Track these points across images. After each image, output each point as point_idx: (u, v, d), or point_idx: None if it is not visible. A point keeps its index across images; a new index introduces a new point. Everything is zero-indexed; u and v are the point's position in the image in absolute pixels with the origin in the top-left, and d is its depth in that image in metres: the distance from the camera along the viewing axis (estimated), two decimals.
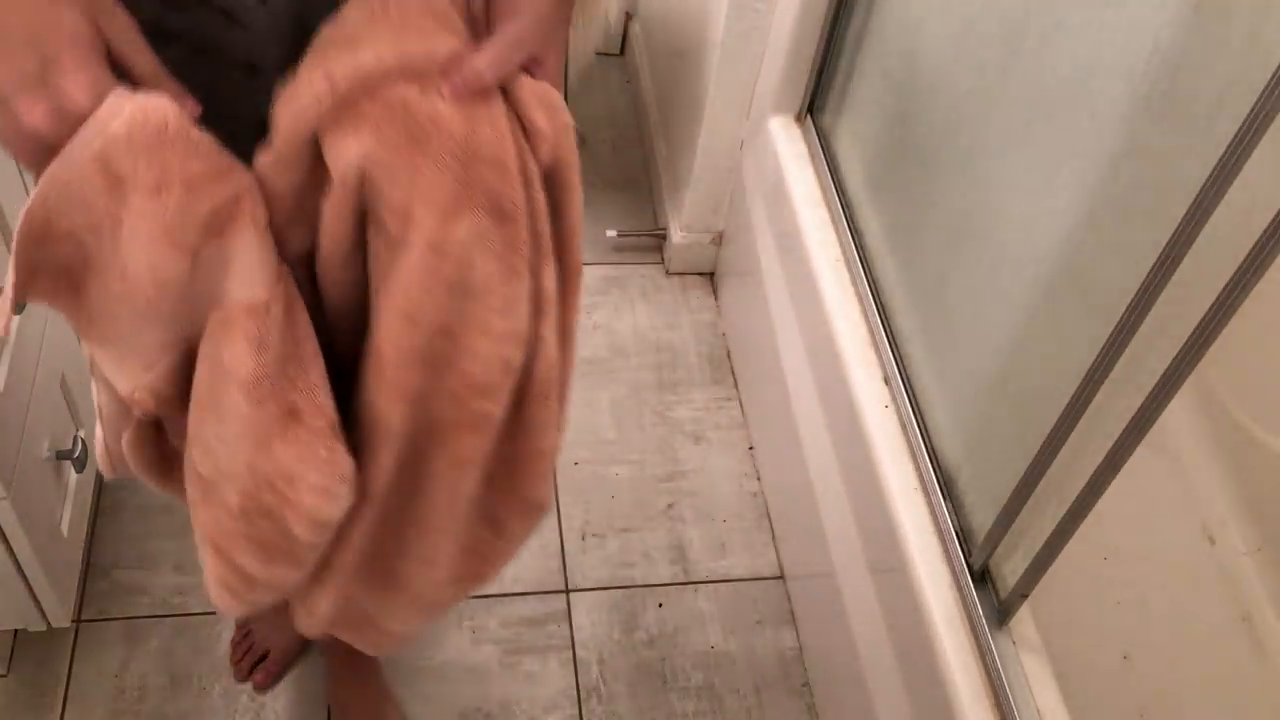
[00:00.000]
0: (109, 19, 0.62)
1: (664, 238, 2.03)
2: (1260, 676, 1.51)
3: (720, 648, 1.57)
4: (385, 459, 0.78)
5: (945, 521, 1.21)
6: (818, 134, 1.63)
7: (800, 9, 1.52)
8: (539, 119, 0.73)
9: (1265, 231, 0.75)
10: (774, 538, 1.69)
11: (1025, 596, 1.10)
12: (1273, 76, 0.73)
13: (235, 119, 0.67)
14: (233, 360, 0.70)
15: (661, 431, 1.80)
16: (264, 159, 0.70)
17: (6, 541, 1.20)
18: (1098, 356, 0.93)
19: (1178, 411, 1.66)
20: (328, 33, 0.69)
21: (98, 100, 0.61)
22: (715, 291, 2.02)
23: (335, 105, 0.67)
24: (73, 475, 1.41)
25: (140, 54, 0.64)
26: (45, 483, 1.30)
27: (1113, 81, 0.95)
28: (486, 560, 0.92)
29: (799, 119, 1.68)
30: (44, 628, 1.35)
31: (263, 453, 0.73)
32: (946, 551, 1.20)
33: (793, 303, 1.60)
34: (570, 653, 1.54)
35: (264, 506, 0.75)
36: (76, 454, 1.35)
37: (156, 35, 0.65)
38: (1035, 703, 1.07)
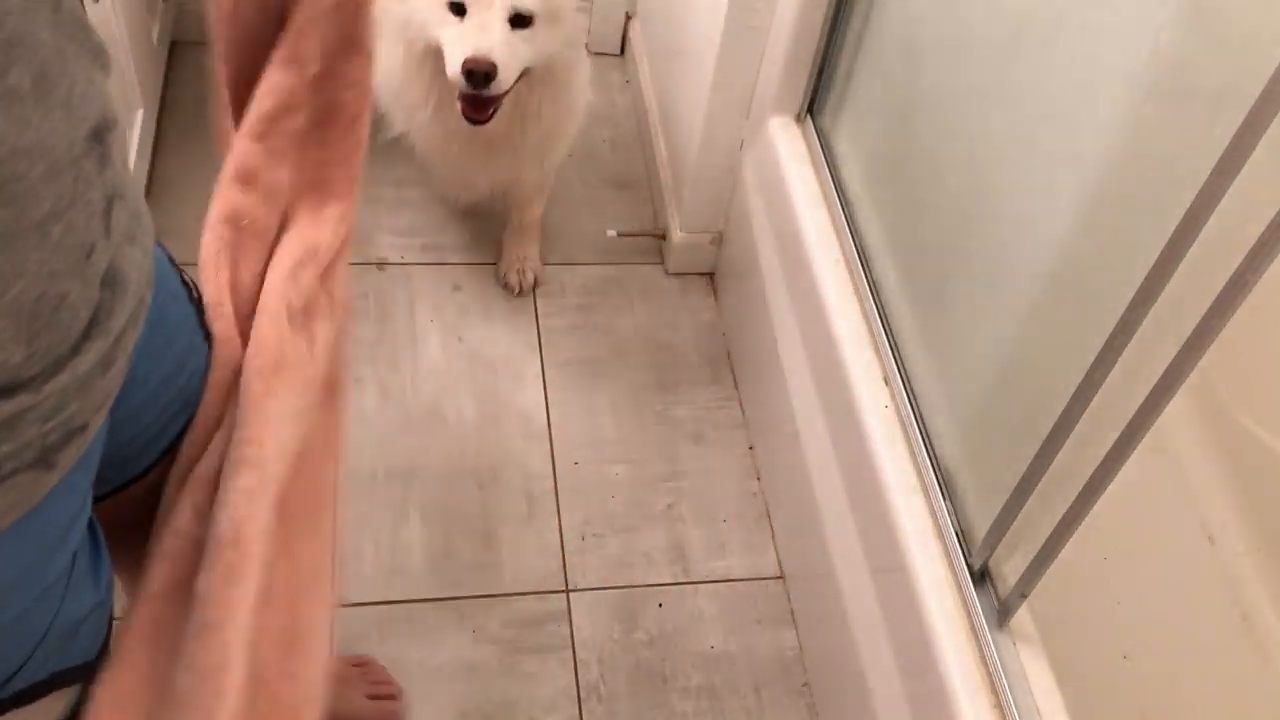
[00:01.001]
0: None
1: (664, 238, 2.03)
2: (1260, 676, 1.51)
3: (720, 648, 1.57)
4: None
5: (945, 521, 1.21)
6: (818, 134, 1.63)
7: (800, 9, 1.52)
8: None
9: (1265, 231, 0.75)
10: (774, 538, 1.69)
11: (1025, 596, 1.10)
12: (1273, 76, 0.73)
13: None
14: None
15: (661, 431, 1.80)
16: None
17: None
18: (1098, 356, 0.93)
19: (1178, 411, 1.66)
20: None
21: None
22: (715, 291, 2.02)
23: None
24: None
25: None
26: None
27: (1113, 81, 0.95)
28: None
29: (799, 119, 1.68)
30: None
31: None
32: (946, 551, 1.20)
33: (793, 303, 1.60)
34: (570, 653, 1.54)
35: None
36: None
37: None
38: (1035, 702, 1.07)
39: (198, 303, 0.86)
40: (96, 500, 0.82)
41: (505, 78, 1.42)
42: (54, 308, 0.55)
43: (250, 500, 0.75)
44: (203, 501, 0.77)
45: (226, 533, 0.74)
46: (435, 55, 1.46)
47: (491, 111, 1.49)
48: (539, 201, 1.91)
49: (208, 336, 0.85)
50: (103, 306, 0.60)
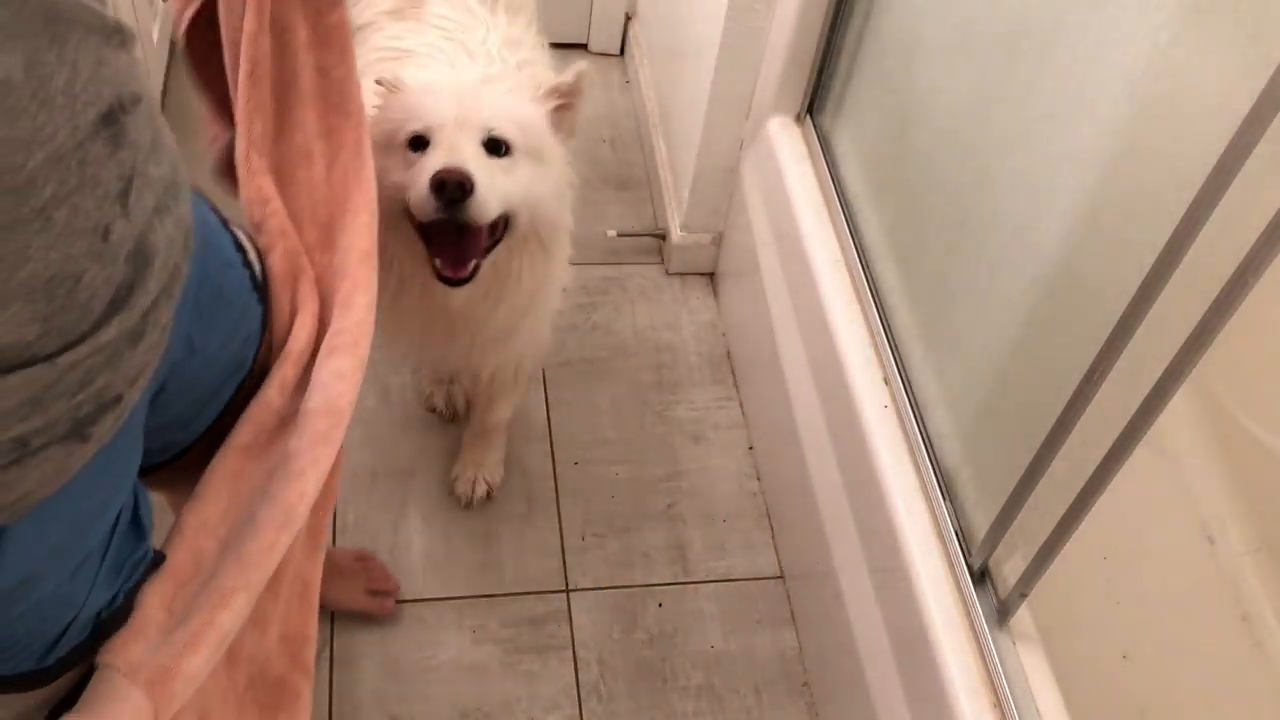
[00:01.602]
0: None
1: (664, 238, 2.03)
2: (1260, 676, 1.51)
3: (720, 648, 1.57)
4: None
5: (945, 521, 1.21)
6: (817, 134, 1.63)
7: (800, 9, 1.52)
8: None
9: (1265, 231, 0.75)
10: (774, 538, 1.69)
11: (1025, 596, 1.10)
12: (1272, 76, 0.73)
13: None
14: None
15: (661, 431, 1.80)
16: None
17: None
18: (1097, 356, 0.93)
19: (1178, 411, 1.66)
20: None
21: None
22: (715, 291, 2.02)
23: None
24: None
25: None
26: None
27: (1113, 81, 0.95)
28: None
29: (799, 119, 1.68)
30: None
31: None
32: (946, 551, 1.20)
33: (793, 303, 1.60)
34: (570, 652, 1.54)
35: None
36: None
37: None
38: (1035, 702, 1.07)
39: (252, 265, 0.89)
40: (157, 467, 0.87)
41: (484, 199, 1.14)
42: (69, 289, 0.56)
43: (343, 379, 0.89)
44: (290, 376, 0.89)
45: (320, 406, 0.87)
46: (390, 214, 1.15)
47: (473, 269, 1.19)
48: (506, 405, 1.62)
49: (262, 298, 0.90)
50: (126, 283, 0.60)
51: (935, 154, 1.31)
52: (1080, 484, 0.98)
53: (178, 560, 0.81)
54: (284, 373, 0.89)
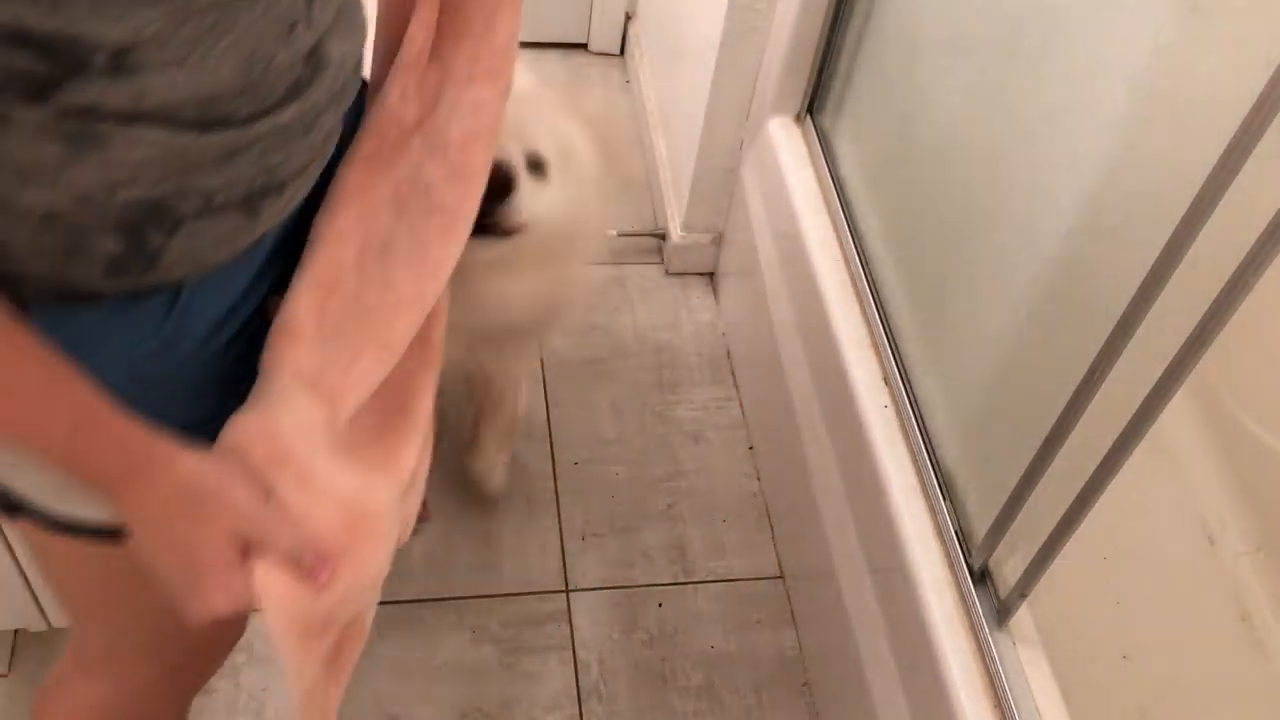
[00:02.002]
0: None
1: (664, 238, 2.03)
2: (1260, 676, 1.51)
3: (720, 648, 1.57)
4: None
5: (945, 521, 1.21)
6: (818, 134, 1.63)
7: (800, 9, 1.52)
8: None
9: (1265, 231, 0.75)
10: (774, 538, 1.69)
11: (1025, 596, 1.10)
12: (1272, 76, 0.73)
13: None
14: None
15: (661, 431, 1.80)
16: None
17: (6, 540, 1.20)
18: (1098, 356, 0.93)
19: (1178, 411, 1.66)
20: None
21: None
22: (715, 291, 2.02)
23: None
24: None
25: None
26: None
27: (1113, 81, 0.95)
28: None
29: (799, 119, 1.68)
30: (44, 627, 1.35)
31: None
32: (946, 551, 1.20)
33: (793, 303, 1.60)
34: (570, 653, 1.54)
35: None
36: None
37: None
38: (1035, 702, 1.07)
39: None
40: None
41: None
42: (263, 67, 0.66)
43: (481, 111, 0.86)
44: (410, 82, 0.87)
45: (456, 139, 0.86)
46: None
47: None
48: (512, 398, 1.63)
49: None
50: (304, 78, 0.70)
51: (935, 154, 1.31)
52: (1080, 484, 0.98)
53: (318, 268, 0.83)
54: (403, 80, 0.87)
